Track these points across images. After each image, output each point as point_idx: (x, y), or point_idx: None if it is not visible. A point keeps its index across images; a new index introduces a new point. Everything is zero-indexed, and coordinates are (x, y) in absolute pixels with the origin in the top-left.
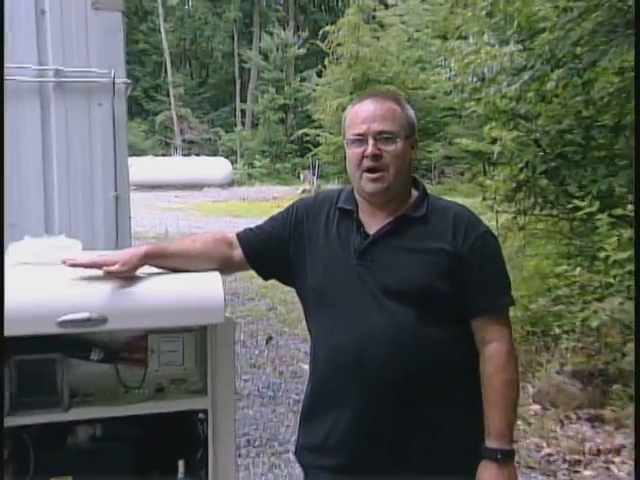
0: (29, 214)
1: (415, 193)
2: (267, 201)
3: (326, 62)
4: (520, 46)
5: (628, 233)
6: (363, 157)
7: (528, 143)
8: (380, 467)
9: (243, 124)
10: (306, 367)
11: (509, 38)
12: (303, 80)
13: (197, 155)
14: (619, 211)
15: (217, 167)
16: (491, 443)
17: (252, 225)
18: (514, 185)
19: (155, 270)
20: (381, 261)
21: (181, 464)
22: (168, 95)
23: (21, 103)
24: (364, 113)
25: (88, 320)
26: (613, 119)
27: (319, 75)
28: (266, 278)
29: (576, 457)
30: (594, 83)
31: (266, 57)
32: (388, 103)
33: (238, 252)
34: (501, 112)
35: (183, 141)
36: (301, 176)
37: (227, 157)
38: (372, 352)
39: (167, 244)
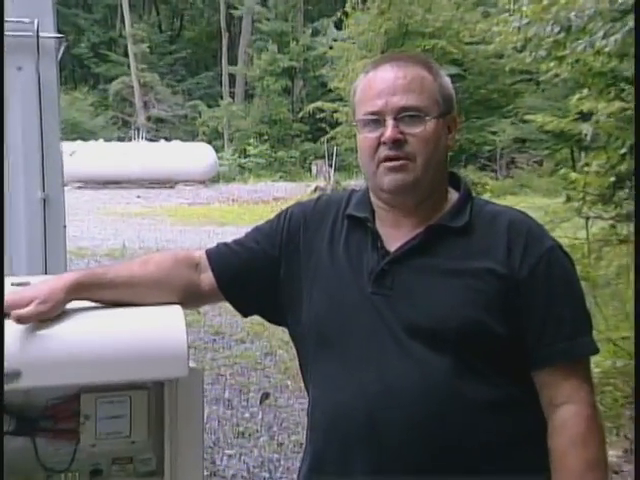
0: None
1: (454, 195)
2: (266, 203)
3: (348, 7)
4: None
5: None
6: (380, 144)
7: (630, 119)
8: None
9: (232, 96)
10: None
11: None
12: (316, 33)
13: (167, 139)
14: None
15: (196, 156)
16: None
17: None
18: (613, 179)
19: (90, 304)
20: (406, 288)
21: None
22: (126, 55)
23: None
24: (381, 83)
25: None
26: None
27: (338, 27)
28: (246, 313)
29: None
30: None
31: (264, 1)
32: (414, 68)
33: (207, 277)
34: (596, 75)
35: (148, 119)
36: (313, 168)
37: (210, 142)
38: (390, 416)
39: (106, 268)
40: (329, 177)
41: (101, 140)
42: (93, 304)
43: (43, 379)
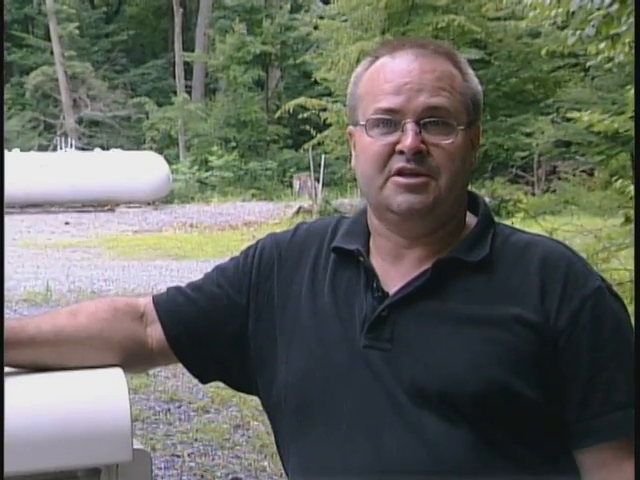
0: None
1: (471, 220)
2: (234, 229)
3: None
4: None
5: None
6: (393, 153)
7: None
8: None
9: (189, 91)
10: None
11: None
12: (297, 10)
13: (105, 148)
14: None
15: (142, 169)
16: None
17: (192, 280)
18: None
19: (7, 370)
20: (409, 341)
21: None
22: (48, 38)
23: None
24: (402, 75)
25: None
26: None
27: (325, 1)
28: (204, 379)
29: None
30: None
31: None
32: (441, 62)
33: (155, 331)
34: None
35: (79, 122)
36: (295, 183)
37: (161, 151)
38: None
39: (24, 322)
40: (315, 195)
41: (16, 150)
42: (7, 369)
43: None
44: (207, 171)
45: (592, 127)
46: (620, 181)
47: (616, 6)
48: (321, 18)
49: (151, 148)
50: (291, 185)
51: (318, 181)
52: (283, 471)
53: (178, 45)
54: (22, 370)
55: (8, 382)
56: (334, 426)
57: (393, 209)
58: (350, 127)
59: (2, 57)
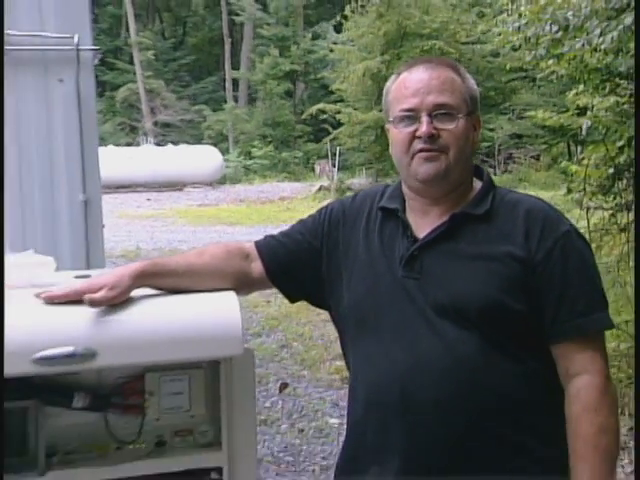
0: None
1: (477, 185)
2: (272, 203)
3: (347, 11)
4: None
5: None
6: (414, 138)
7: (630, 112)
8: None
9: (236, 99)
10: (333, 422)
11: None
12: (316, 37)
13: (174, 143)
14: None
15: (202, 158)
16: None
17: (256, 234)
18: (611, 171)
19: (153, 292)
20: (433, 272)
21: None
22: (132, 62)
23: None
24: (416, 83)
25: (72, 356)
26: None
27: (338, 30)
28: (293, 299)
29: None
30: None
31: (265, 7)
32: (445, 71)
33: (257, 266)
34: (591, 72)
35: (155, 124)
36: (316, 168)
37: (215, 145)
38: (420, 391)
39: (167, 259)
40: (332, 176)
41: (110, 146)
42: (155, 291)
43: (114, 359)
44: (250, 159)
45: (540, 123)
46: (563, 163)
47: (561, 33)
48: (335, 43)
49: (208, 143)
50: (313, 169)
51: (334, 166)
52: (320, 378)
53: (227, 66)
54: (166, 292)
55: (158, 300)
56: (382, 332)
57: (418, 177)
58: (386, 125)
59: (2, 57)
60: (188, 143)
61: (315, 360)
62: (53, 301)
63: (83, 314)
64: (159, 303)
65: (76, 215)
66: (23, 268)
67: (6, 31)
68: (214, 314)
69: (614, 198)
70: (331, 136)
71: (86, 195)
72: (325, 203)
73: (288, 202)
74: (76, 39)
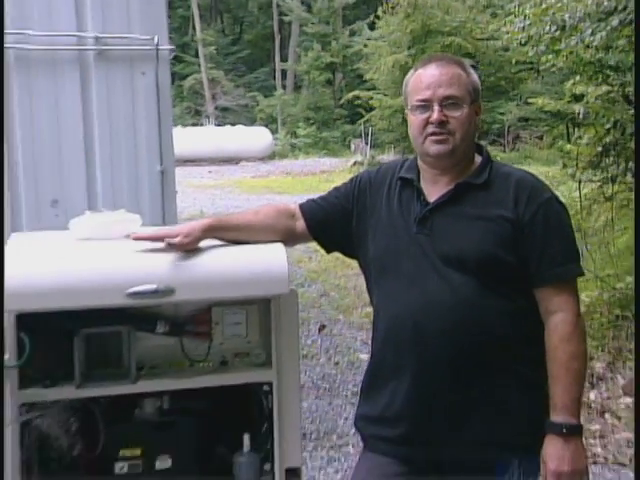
0: (71, 190)
1: (478, 159)
2: (314, 175)
3: (379, 12)
4: None
5: None
6: (427, 123)
7: (617, 100)
8: (439, 439)
9: (284, 87)
10: (363, 357)
11: None
12: (353, 34)
13: (232, 124)
14: None
15: (255, 137)
16: (556, 417)
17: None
18: (600, 149)
19: (218, 242)
20: (441, 229)
21: (246, 438)
22: (197, 55)
23: (60, 73)
24: (429, 78)
25: (156, 292)
26: None
27: (371, 28)
28: (329, 250)
29: None
30: None
31: (309, 8)
32: (453, 68)
33: (301, 223)
34: (585, 65)
35: (216, 108)
36: (352, 146)
37: (266, 125)
38: (429, 323)
39: (229, 217)
40: (365, 153)
41: (179, 126)
42: (219, 242)
43: (188, 295)
44: (296, 138)
45: (542, 108)
46: (560, 143)
47: (559, 32)
48: (368, 39)
49: (260, 124)
50: (349, 147)
51: (367, 144)
52: (352, 321)
53: (277, 58)
54: (229, 243)
55: (222, 249)
56: (399, 277)
57: (430, 155)
58: (406, 111)
59: (2, 57)
60: (243, 124)
61: (349, 306)
62: (140, 239)
63: (165, 259)
64: (223, 251)
65: (154, 183)
66: (117, 223)
67: (99, 34)
68: (266, 261)
69: (602, 172)
70: (364, 118)
71: (162, 166)
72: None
73: (327, 175)
74: (156, 40)
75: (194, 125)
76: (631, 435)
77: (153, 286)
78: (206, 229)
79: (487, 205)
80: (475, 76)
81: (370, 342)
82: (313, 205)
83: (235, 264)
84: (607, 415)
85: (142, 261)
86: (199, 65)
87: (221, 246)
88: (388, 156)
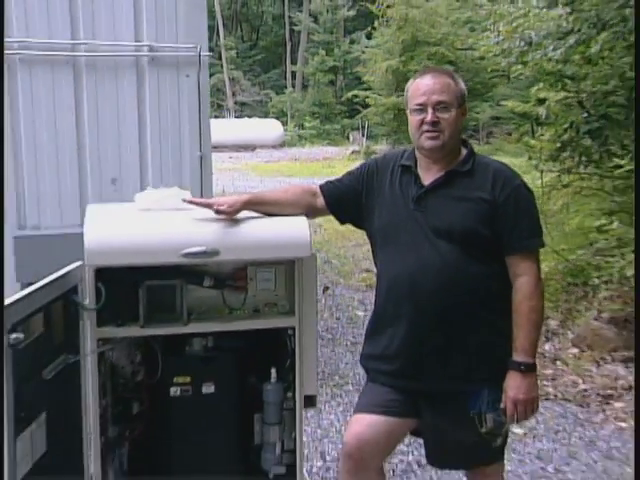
0: (127, 170)
1: (464, 152)
2: (318, 161)
3: (376, 24)
4: (568, 9)
5: None
6: (423, 123)
7: (573, 104)
8: (427, 373)
9: (293, 86)
10: (360, 314)
11: (556, 1)
12: (352, 42)
13: (249, 117)
14: None
15: (269, 128)
16: (517, 357)
17: (306, 184)
18: (559, 145)
19: (254, 214)
20: (433, 207)
21: (273, 371)
22: (220, 58)
23: (121, 75)
24: (424, 87)
25: (204, 253)
26: None
27: (368, 37)
28: (342, 222)
29: (609, 392)
30: None
31: (316, 19)
32: (444, 78)
33: (320, 200)
34: (547, 74)
35: (235, 103)
36: (350, 137)
37: (278, 118)
38: (422, 282)
39: (263, 193)
40: (362, 143)
41: None
42: (255, 214)
43: (229, 256)
44: (303, 130)
45: (511, 109)
46: (526, 138)
47: (526, 47)
48: (366, 47)
49: (273, 117)
50: (348, 138)
51: (363, 136)
52: (352, 284)
53: (288, 61)
54: (262, 215)
55: (258, 219)
56: (399, 245)
57: (424, 147)
58: (407, 112)
59: (2, 57)
60: (258, 117)
61: (347, 272)
62: (194, 203)
63: (211, 227)
64: (257, 221)
65: (195, 165)
66: (172, 197)
67: (153, 43)
68: (292, 229)
69: (560, 164)
70: (361, 114)
71: (202, 152)
72: (356, 163)
73: (329, 161)
74: (198, 48)
75: (217, 117)
76: (576, 377)
77: (202, 248)
78: (246, 202)
79: (470, 189)
80: (462, 85)
81: (374, 296)
82: (330, 186)
83: (267, 232)
84: (558, 362)
85: (193, 228)
86: (222, 66)
87: (256, 217)
88: (381, 146)
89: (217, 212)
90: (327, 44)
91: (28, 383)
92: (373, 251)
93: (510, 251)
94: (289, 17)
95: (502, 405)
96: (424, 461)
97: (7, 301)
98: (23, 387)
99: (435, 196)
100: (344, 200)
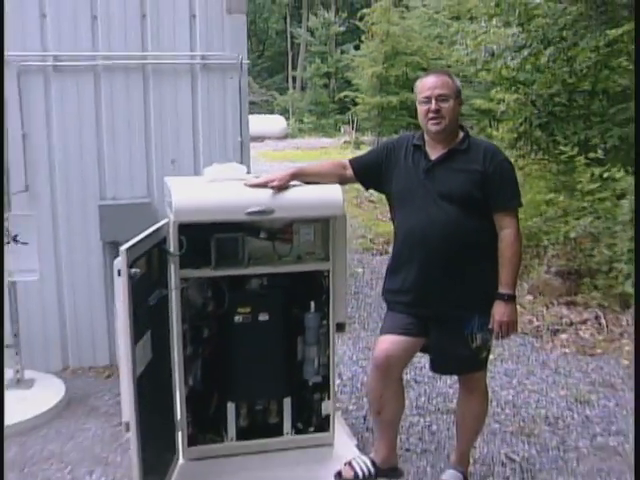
0: (183, 153)
1: (461, 134)
2: (316, 150)
3: (362, 38)
4: (520, 29)
5: (598, 171)
6: (429, 112)
7: (526, 103)
8: (433, 302)
9: (294, 88)
10: (359, 270)
11: (511, 22)
12: (343, 52)
13: (258, 113)
14: (592, 155)
15: (274, 123)
16: (502, 290)
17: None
18: (515, 136)
19: (298, 183)
20: (439, 176)
21: (312, 304)
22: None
23: (179, 79)
24: (429, 84)
25: (262, 212)
26: (590, 85)
27: (356, 48)
28: (367, 188)
29: (556, 327)
30: (576, 58)
31: (312, 34)
32: (444, 77)
33: (350, 172)
34: (505, 79)
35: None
36: (342, 130)
37: (282, 115)
38: (431, 233)
39: (306, 167)
40: (352, 135)
41: None
42: (299, 183)
43: (280, 214)
44: (302, 124)
45: (475, 107)
46: (488, 131)
47: (489, 57)
48: (354, 56)
49: (277, 114)
50: (340, 130)
51: (353, 129)
52: (356, 247)
53: (289, 68)
54: (304, 184)
55: (304, 186)
56: (412, 206)
57: (430, 131)
58: (416, 103)
59: (2, 56)
60: (265, 114)
61: (348, 237)
62: (252, 185)
63: (267, 192)
64: (302, 188)
65: (236, 149)
66: (233, 170)
67: (204, 53)
68: (328, 195)
69: (516, 151)
70: (351, 111)
71: (242, 138)
72: (347, 151)
73: (325, 150)
74: (239, 57)
75: None
76: (531, 317)
77: (261, 208)
78: (292, 174)
79: (466, 162)
80: (458, 82)
81: (365, 259)
82: (358, 160)
83: (309, 196)
84: (518, 306)
85: (253, 193)
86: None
87: (301, 185)
88: (368, 137)
89: (271, 187)
90: (322, 54)
91: (140, 306)
92: (391, 211)
93: (496, 209)
94: (290, 32)
95: (490, 326)
96: (419, 378)
97: (126, 245)
98: (137, 309)
99: (440, 168)
100: (368, 171)
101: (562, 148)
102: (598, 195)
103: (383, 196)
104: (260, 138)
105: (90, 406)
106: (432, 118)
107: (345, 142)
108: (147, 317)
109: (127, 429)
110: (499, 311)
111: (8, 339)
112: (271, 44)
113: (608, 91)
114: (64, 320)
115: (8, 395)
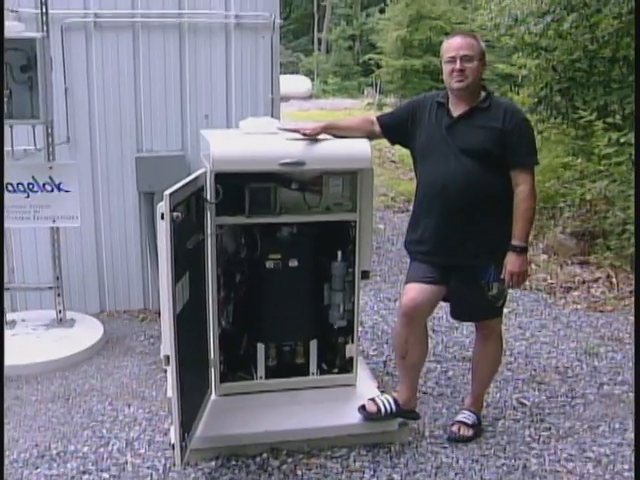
0: (216, 108)
1: (483, 93)
2: (339, 111)
3: (388, 1)
4: None
5: (615, 135)
6: (453, 71)
7: (547, 69)
8: (452, 252)
9: (319, 50)
10: (381, 226)
11: None
12: (368, 15)
13: (284, 74)
14: (610, 120)
15: (299, 83)
16: (514, 242)
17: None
18: (535, 100)
19: (329, 137)
20: (460, 132)
21: (339, 253)
22: None
23: (214, 37)
24: (455, 44)
25: (295, 163)
26: (611, 52)
27: (381, 12)
28: (393, 143)
29: (569, 285)
30: (598, 25)
31: None
32: (469, 39)
33: (377, 127)
34: (527, 45)
35: None
36: (365, 92)
37: (307, 75)
38: (451, 185)
39: (336, 121)
40: (375, 97)
41: None
42: (330, 137)
43: (311, 166)
44: (327, 85)
45: (497, 72)
46: (509, 95)
47: (512, 22)
48: (379, 19)
49: (302, 74)
50: (363, 92)
51: (376, 91)
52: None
53: (315, 30)
54: (335, 138)
55: (334, 141)
56: (434, 159)
57: (454, 88)
58: (442, 63)
59: (2, 56)
60: (291, 74)
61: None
62: (285, 130)
63: (299, 144)
64: (332, 142)
65: (267, 105)
66: (266, 123)
67: (238, 12)
68: (357, 148)
69: (536, 115)
70: (375, 73)
71: (272, 95)
72: (370, 112)
73: (349, 111)
74: (272, 16)
75: None
76: (545, 275)
77: (293, 159)
78: (324, 127)
79: (487, 120)
80: (482, 44)
81: (387, 216)
82: (385, 116)
83: (339, 149)
84: (533, 265)
85: (286, 145)
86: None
87: (331, 139)
88: (390, 99)
89: (303, 134)
90: (347, 16)
91: (179, 249)
92: (414, 164)
93: (514, 166)
94: None
95: (502, 276)
96: (437, 328)
97: (169, 190)
98: (177, 251)
99: (461, 125)
100: (395, 127)
101: (581, 113)
102: (614, 159)
103: (405, 157)
104: (285, 98)
105: (126, 346)
106: (456, 77)
107: (368, 104)
108: (186, 260)
109: (167, 362)
110: (511, 262)
111: (51, 282)
112: (297, 6)
113: (629, 58)
114: (102, 266)
115: (51, 333)
